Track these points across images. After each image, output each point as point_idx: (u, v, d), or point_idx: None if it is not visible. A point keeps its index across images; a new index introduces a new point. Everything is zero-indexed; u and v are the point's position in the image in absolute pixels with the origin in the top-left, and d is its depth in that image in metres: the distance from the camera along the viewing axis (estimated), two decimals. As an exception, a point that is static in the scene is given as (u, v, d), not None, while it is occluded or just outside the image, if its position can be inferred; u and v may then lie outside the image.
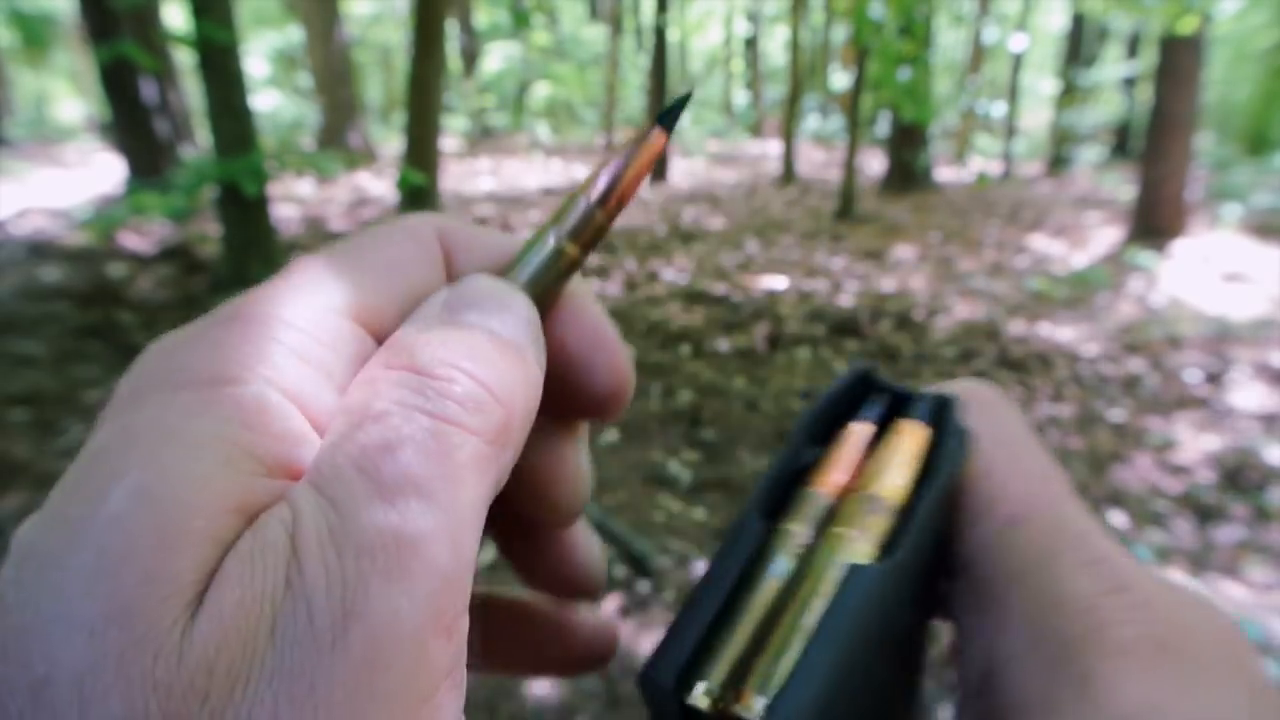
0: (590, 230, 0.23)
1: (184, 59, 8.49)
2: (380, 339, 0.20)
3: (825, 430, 0.23)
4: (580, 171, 11.88)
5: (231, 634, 0.15)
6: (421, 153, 7.86)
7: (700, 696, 0.19)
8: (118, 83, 6.88)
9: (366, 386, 0.18)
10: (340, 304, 0.20)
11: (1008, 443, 0.23)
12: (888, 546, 0.20)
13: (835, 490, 0.22)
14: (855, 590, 0.19)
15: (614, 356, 0.24)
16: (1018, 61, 13.99)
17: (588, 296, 0.25)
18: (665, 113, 0.24)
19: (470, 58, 17.12)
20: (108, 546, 0.15)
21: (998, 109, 13.70)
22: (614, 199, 0.23)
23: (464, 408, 0.18)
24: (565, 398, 0.25)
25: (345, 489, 0.17)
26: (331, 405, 0.19)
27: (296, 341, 0.19)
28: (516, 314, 0.21)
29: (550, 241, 0.23)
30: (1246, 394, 3.75)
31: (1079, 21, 13.88)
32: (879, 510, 0.21)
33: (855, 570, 0.19)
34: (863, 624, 0.19)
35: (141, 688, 0.14)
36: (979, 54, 14.06)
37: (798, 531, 0.21)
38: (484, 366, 0.19)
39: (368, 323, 0.20)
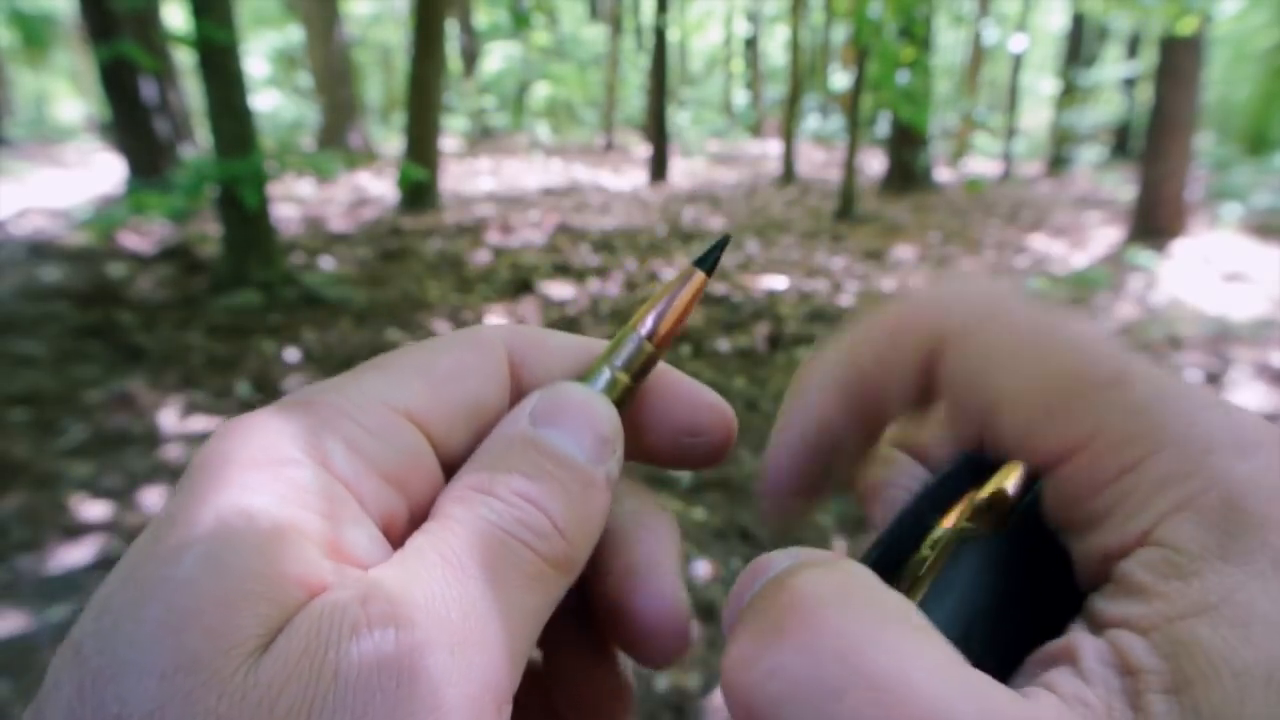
0: (641, 362, 0.26)
1: (184, 59, 8.49)
2: (432, 438, 0.23)
3: (940, 505, 0.24)
4: (580, 171, 11.88)
5: (294, 676, 0.17)
6: (421, 152, 7.88)
7: None
8: (118, 83, 6.88)
9: (456, 502, 0.22)
10: (398, 402, 0.23)
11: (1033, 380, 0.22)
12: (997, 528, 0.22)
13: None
14: (962, 559, 0.21)
15: (716, 410, 0.28)
16: (1017, 62, 13.99)
17: (669, 373, 0.28)
18: (704, 255, 0.27)
19: (470, 58, 17.12)
20: (178, 605, 0.17)
21: (996, 117, 13.71)
22: (661, 334, 0.26)
23: (534, 534, 0.21)
24: (680, 461, 0.28)
25: (427, 571, 0.19)
26: (376, 491, 0.22)
27: (352, 432, 0.22)
28: (597, 430, 0.24)
29: (606, 373, 0.26)
30: (1247, 394, 3.75)
31: (1079, 21, 13.88)
32: (984, 505, 0.22)
33: (963, 543, 0.21)
34: (975, 589, 0.20)
35: None
36: (979, 55, 14.06)
37: (929, 555, 0.22)
38: (556, 504, 0.22)
39: (422, 422, 0.23)
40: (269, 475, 0.20)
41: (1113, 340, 0.23)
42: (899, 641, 0.17)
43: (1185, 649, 0.17)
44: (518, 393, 0.26)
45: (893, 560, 0.23)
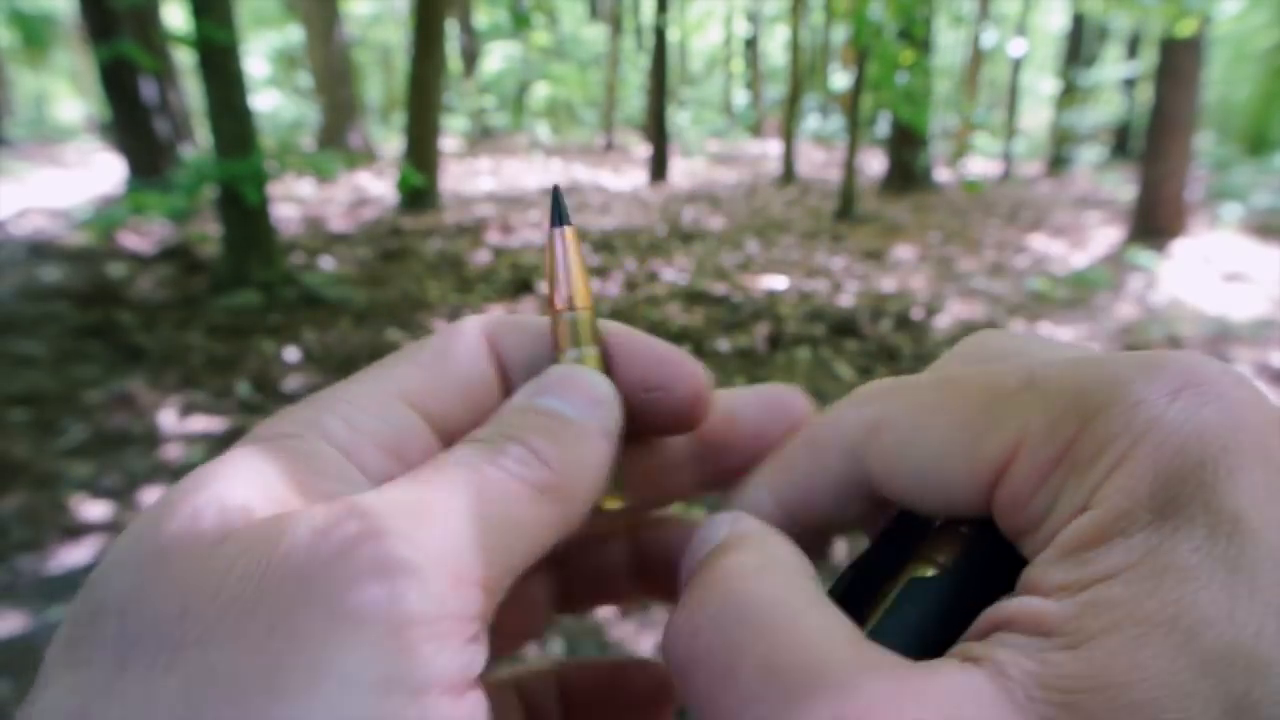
0: (586, 330, 0.27)
1: (184, 59, 8.49)
2: (427, 415, 0.25)
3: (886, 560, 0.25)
4: (580, 171, 11.88)
5: (247, 551, 0.19)
6: (421, 153, 7.87)
7: None
8: (118, 83, 6.88)
9: (448, 451, 0.23)
10: (391, 388, 0.25)
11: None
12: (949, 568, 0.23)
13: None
14: (909, 597, 0.22)
15: (673, 359, 0.27)
16: (1017, 65, 13.99)
17: (624, 331, 0.28)
18: (555, 215, 0.28)
19: (470, 58, 17.11)
20: (157, 518, 0.20)
21: (996, 114, 13.69)
22: (577, 295, 0.27)
23: (515, 461, 0.22)
24: (652, 424, 0.28)
25: (394, 487, 0.21)
26: (374, 458, 0.23)
27: (348, 413, 0.24)
28: (588, 393, 0.25)
29: (573, 355, 0.27)
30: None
31: (1079, 21, 13.88)
32: (932, 546, 0.23)
33: (911, 582, 0.22)
34: (922, 623, 0.21)
35: (171, 593, 0.18)
36: (978, 58, 14.06)
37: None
38: (541, 438, 0.23)
39: (415, 402, 0.25)
40: (272, 446, 0.22)
41: (1024, 343, 0.24)
42: (799, 609, 0.20)
43: (1092, 607, 0.17)
44: (500, 369, 0.28)
45: (850, 603, 0.23)
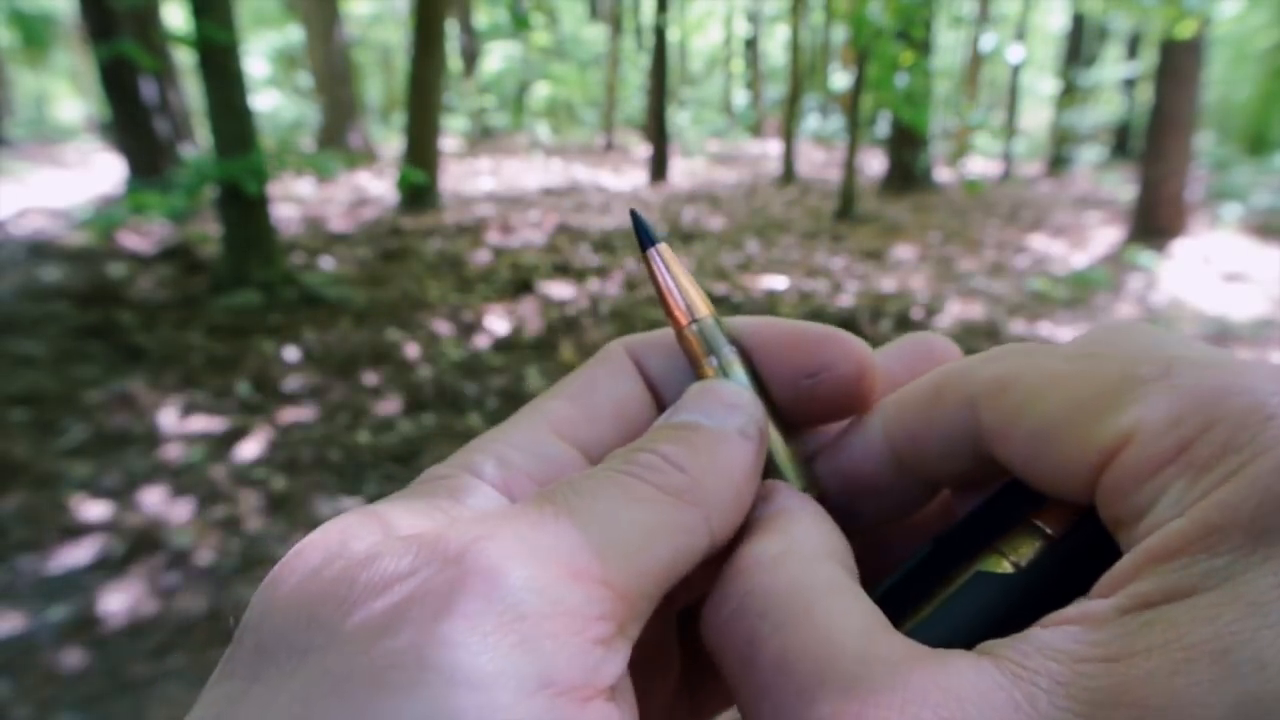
0: (718, 334, 0.27)
1: (184, 59, 8.49)
2: (579, 444, 0.26)
3: (978, 534, 0.24)
4: (580, 171, 11.88)
5: (372, 563, 0.19)
6: (421, 152, 7.87)
7: None
8: (118, 82, 6.88)
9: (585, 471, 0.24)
10: (541, 423, 0.26)
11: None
12: (1025, 566, 0.22)
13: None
14: (973, 590, 0.22)
15: (827, 339, 0.26)
16: (1016, 67, 13.99)
17: (765, 321, 0.27)
18: (641, 238, 0.28)
19: (470, 58, 17.11)
20: (298, 548, 0.21)
21: (996, 114, 13.69)
22: (696, 306, 0.27)
23: (644, 468, 0.23)
24: (819, 410, 0.27)
25: (521, 505, 0.22)
26: (525, 490, 0.24)
27: (501, 451, 0.25)
28: (722, 400, 0.25)
29: (714, 364, 0.26)
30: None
31: (1079, 21, 13.88)
32: (1015, 540, 0.23)
33: (978, 575, 0.22)
34: (976, 619, 0.21)
35: (301, 605, 0.19)
36: (977, 61, 14.06)
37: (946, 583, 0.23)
38: (672, 445, 0.23)
39: (565, 433, 0.26)
40: (415, 487, 0.24)
41: (1170, 340, 0.23)
42: (815, 600, 0.20)
43: (1149, 625, 0.17)
44: (651, 389, 0.28)
45: (919, 583, 0.23)
